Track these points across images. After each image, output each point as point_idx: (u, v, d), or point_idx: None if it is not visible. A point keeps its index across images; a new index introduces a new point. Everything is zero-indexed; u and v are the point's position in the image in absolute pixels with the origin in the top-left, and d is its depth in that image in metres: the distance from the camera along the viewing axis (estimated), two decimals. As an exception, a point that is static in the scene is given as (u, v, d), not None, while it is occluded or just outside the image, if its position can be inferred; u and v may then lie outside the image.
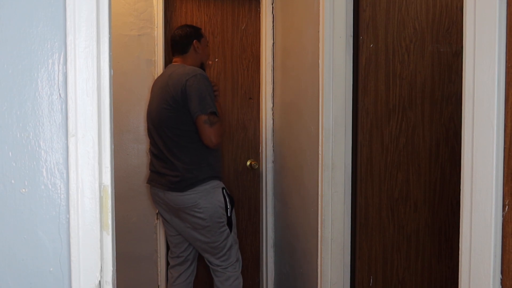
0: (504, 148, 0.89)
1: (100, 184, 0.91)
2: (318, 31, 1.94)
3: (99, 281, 0.92)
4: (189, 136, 2.15)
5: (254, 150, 2.93)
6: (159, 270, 2.81)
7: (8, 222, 0.91)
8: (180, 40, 2.33)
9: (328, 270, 1.94)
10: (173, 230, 2.35)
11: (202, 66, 2.39)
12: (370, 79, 1.89)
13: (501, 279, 0.91)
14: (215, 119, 2.12)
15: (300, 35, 2.26)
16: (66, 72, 0.90)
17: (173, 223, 2.30)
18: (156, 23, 2.73)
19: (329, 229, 1.93)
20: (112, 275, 0.94)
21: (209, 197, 2.16)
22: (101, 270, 0.92)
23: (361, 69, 1.88)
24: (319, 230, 1.96)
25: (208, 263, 2.32)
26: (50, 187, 0.91)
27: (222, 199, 2.20)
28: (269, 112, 2.82)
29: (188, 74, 2.12)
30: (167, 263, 2.92)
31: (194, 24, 2.92)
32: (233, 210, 2.26)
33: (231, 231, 2.25)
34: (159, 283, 2.83)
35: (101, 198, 0.91)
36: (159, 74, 2.76)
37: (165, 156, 2.18)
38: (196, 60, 2.34)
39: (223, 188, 2.23)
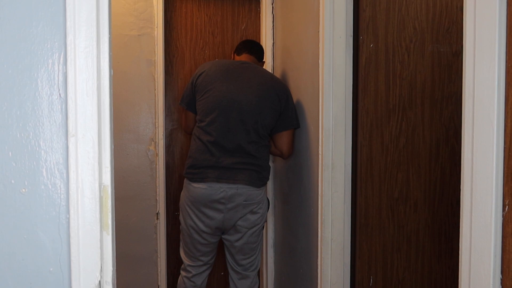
0: (504, 148, 0.89)
1: (100, 184, 0.91)
2: (318, 31, 1.94)
3: (99, 281, 0.92)
4: (268, 138, 2.25)
5: (254, 150, 2.93)
6: (159, 270, 2.81)
7: (8, 222, 0.91)
8: (259, 48, 2.43)
9: (328, 270, 1.94)
10: (209, 238, 2.22)
11: None
12: (370, 79, 1.89)
13: (501, 279, 0.91)
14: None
15: (300, 35, 2.26)
16: (66, 72, 0.90)
17: (219, 224, 2.18)
18: (156, 23, 2.73)
19: (329, 229, 1.93)
20: (112, 275, 0.94)
21: (265, 194, 2.27)
22: (101, 270, 0.92)
23: (361, 69, 1.88)
24: (319, 230, 1.96)
25: (233, 265, 2.28)
26: (50, 187, 0.91)
27: (265, 195, 2.29)
28: (269, 112, 2.82)
29: (286, 86, 2.28)
30: (167, 263, 2.92)
31: (194, 24, 2.92)
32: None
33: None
34: (159, 283, 2.82)
35: (101, 198, 0.91)
36: (159, 74, 2.76)
37: (245, 151, 2.14)
38: None
39: None
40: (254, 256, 2.27)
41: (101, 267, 0.92)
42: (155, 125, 2.76)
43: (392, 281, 1.98)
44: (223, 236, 2.25)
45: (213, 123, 2.14)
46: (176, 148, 2.94)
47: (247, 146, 2.14)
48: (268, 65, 2.83)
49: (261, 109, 2.16)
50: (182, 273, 2.33)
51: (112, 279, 0.94)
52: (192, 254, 2.26)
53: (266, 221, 2.34)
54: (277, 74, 2.72)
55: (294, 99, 2.33)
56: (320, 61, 1.92)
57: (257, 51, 2.40)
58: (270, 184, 2.84)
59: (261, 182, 2.20)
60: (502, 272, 0.91)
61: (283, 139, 2.24)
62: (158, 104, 2.75)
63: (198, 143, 2.18)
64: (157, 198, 2.78)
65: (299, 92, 2.27)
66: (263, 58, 2.45)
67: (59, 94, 0.90)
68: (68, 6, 0.89)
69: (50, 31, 0.90)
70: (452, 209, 2.00)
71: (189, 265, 2.29)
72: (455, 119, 1.97)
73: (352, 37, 1.89)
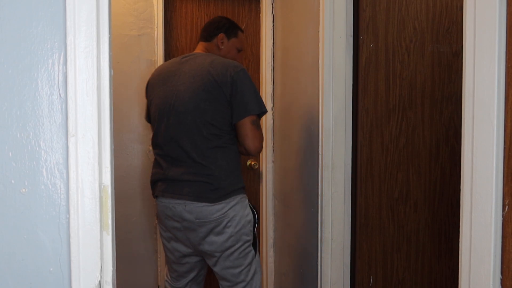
0: (504, 148, 0.89)
1: (100, 184, 0.91)
2: (318, 31, 1.94)
3: (99, 281, 0.92)
4: (229, 136, 1.83)
5: (254, 150, 2.93)
6: (159, 270, 2.81)
7: (8, 222, 0.91)
8: (207, 26, 2.06)
9: (328, 270, 1.94)
10: (180, 256, 1.93)
11: None
12: (370, 79, 1.89)
13: (501, 279, 0.91)
14: (259, 122, 1.86)
15: (300, 35, 2.26)
16: (66, 72, 0.90)
17: (187, 244, 1.88)
18: (156, 23, 2.73)
19: (329, 229, 1.93)
20: (112, 275, 0.94)
21: (238, 209, 1.82)
22: (101, 270, 0.92)
23: (361, 69, 1.88)
24: (319, 230, 1.96)
25: None
26: (50, 187, 0.91)
27: (250, 213, 1.87)
28: (269, 112, 2.82)
29: (235, 66, 1.82)
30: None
31: (194, 24, 2.92)
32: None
33: (255, 253, 1.90)
34: (159, 283, 2.82)
35: (101, 198, 0.91)
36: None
37: (191, 159, 1.80)
38: (217, 54, 2.01)
39: (246, 198, 1.91)
40: (242, 284, 1.86)
41: (101, 267, 0.92)
42: (155, 125, 2.75)
43: (392, 281, 1.98)
44: None
45: (158, 134, 1.90)
46: (176, 148, 2.94)
47: (191, 153, 1.79)
48: (268, 65, 2.83)
49: (197, 104, 1.80)
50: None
51: (112, 279, 0.94)
52: (173, 275, 2.02)
53: (256, 239, 1.90)
54: (277, 74, 2.72)
55: (294, 99, 2.32)
56: (320, 61, 1.92)
57: (204, 31, 2.05)
58: (270, 184, 2.84)
59: (215, 196, 1.77)
60: (502, 272, 0.91)
61: (241, 132, 1.81)
62: (158, 104, 2.75)
63: (154, 158, 1.96)
64: (157, 198, 2.78)
65: (299, 92, 2.27)
66: (214, 35, 2.02)
67: (59, 94, 0.90)
68: (68, 6, 0.89)
69: (50, 31, 0.90)
70: (452, 209, 2.00)
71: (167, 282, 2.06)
72: (455, 119, 1.97)
73: (352, 37, 1.89)
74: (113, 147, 0.95)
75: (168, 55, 2.84)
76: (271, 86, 2.82)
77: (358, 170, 1.92)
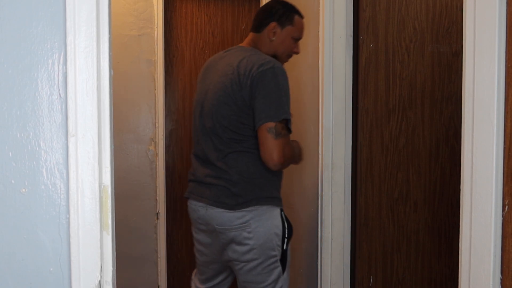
0: (504, 148, 0.89)
1: (100, 184, 0.91)
2: (318, 31, 1.94)
3: (99, 281, 0.92)
4: (254, 141, 1.65)
5: (254, 150, 2.93)
6: (159, 270, 2.81)
7: (8, 222, 0.91)
8: (258, 14, 1.79)
9: (328, 270, 1.94)
10: (207, 260, 1.83)
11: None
12: (370, 79, 1.89)
13: (501, 279, 0.91)
14: (283, 130, 1.61)
15: (300, 35, 2.26)
16: (66, 72, 0.90)
17: (212, 249, 1.77)
18: (156, 23, 2.73)
19: (329, 229, 1.93)
20: (112, 275, 0.94)
21: (262, 220, 1.64)
22: (101, 270, 0.92)
23: (361, 69, 1.88)
24: (319, 230, 1.96)
25: None
26: (50, 187, 0.91)
27: (280, 224, 1.67)
28: (269, 112, 2.82)
29: (262, 64, 1.59)
30: (167, 263, 2.91)
31: (194, 24, 2.91)
32: (289, 243, 1.73)
33: (283, 271, 1.70)
34: (159, 283, 2.82)
35: (101, 198, 0.91)
36: (159, 74, 2.76)
37: (213, 162, 1.68)
38: (267, 48, 1.77)
39: (281, 210, 1.71)
40: None
41: (101, 267, 0.92)
42: (155, 125, 2.76)
43: (392, 281, 1.98)
44: None
45: (193, 132, 1.83)
46: (176, 148, 2.94)
47: (212, 156, 1.68)
48: (268, 65, 2.82)
49: (218, 108, 1.66)
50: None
51: (112, 279, 0.94)
52: (198, 273, 1.92)
53: (285, 255, 1.69)
54: (277, 74, 2.72)
55: (294, 99, 2.32)
56: (320, 61, 1.92)
57: (255, 19, 1.81)
58: (270, 184, 2.84)
59: (233, 202, 1.63)
60: (502, 272, 0.91)
61: (258, 140, 1.61)
62: (158, 104, 2.75)
63: None
64: (157, 198, 2.78)
65: (299, 92, 2.27)
66: (264, 24, 1.75)
67: (59, 94, 0.90)
68: (68, 6, 0.89)
69: (50, 31, 0.90)
70: (452, 209, 2.00)
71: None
72: (455, 119, 1.97)
73: (352, 37, 1.89)
74: (113, 147, 0.95)
75: (168, 55, 2.84)
76: (271, 86, 2.81)
77: (358, 170, 1.92)
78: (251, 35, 1.80)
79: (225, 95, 1.64)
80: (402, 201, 1.95)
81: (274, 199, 1.69)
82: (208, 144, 1.70)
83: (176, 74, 2.91)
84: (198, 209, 1.72)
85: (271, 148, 1.57)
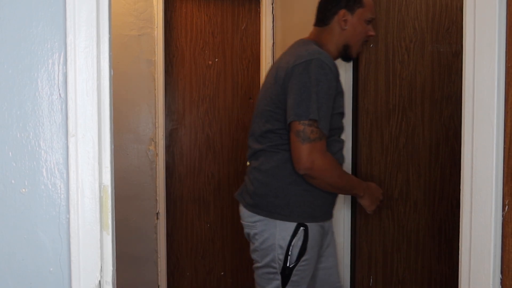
0: (504, 148, 0.89)
1: (100, 184, 0.91)
2: (318, 31, 1.93)
3: (99, 281, 0.92)
4: (276, 145, 1.56)
5: (254, 150, 2.93)
6: (159, 270, 2.81)
7: (8, 222, 0.91)
8: (321, 5, 1.65)
9: (328, 270, 1.94)
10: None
11: (346, 51, 1.66)
12: (370, 79, 1.89)
13: (501, 279, 0.91)
14: (315, 134, 1.44)
15: (300, 35, 2.26)
16: (66, 72, 0.90)
17: None
18: (156, 23, 2.73)
19: (329, 229, 1.93)
20: (112, 275, 0.94)
21: (270, 226, 1.53)
22: (101, 270, 0.92)
23: (361, 69, 1.88)
24: (319, 230, 1.96)
25: None
26: (50, 187, 0.91)
27: (288, 237, 1.51)
28: (269, 112, 2.82)
29: (300, 56, 1.47)
30: (167, 263, 2.92)
31: (194, 24, 2.91)
32: (301, 262, 1.53)
33: (284, 285, 1.55)
34: (159, 283, 2.82)
35: (101, 198, 0.91)
36: (159, 74, 2.76)
37: (251, 155, 1.67)
38: (337, 38, 1.62)
39: (302, 226, 1.52)
40: None
41: (101, 267, 0.92)
42: (155, 125, 2.76)
43: (392, 281, 1.98)
44: None
45: None
46: (176, 148, 2.94)
47: (252, 145, 1.65)
48: (268, 65, 2.83)
49: (261, 107, 1.61)
50: None
51: (112, 279, 0.94)
52: None
53: (288, 274, 1.54)
54: (277, 74, 2.72)
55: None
56: (320, 61, 1.92)
57: (319, 12, 1.67)
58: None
59: (251, 201, 1.58)
60: (502, 272, 0.91)
61: (290, 144, 1.50)
62: (158, 104, 2.75)
63: None
64: (157, 198, 2.78)
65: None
66: (332, 15, 1.61)
67: (59, 94, 0.90)
68: (68, 6, 0.89)
69: (50, 31, 0.90)
70: (452, 209, 2.00)
71: None
72: (455, 119, 1.96)
73: (352, 37, 1.89)
74: (113, 147, 0.95)
75: (168, 55, 2.84)
76: (271, 86, 2.82)
77: (358, 170, 1.92)
78: (314, 29, 1.69)
79: (267, 93, 1.58)
80: (402, 201, 1.95)
81: (290, 211, 1.53)
82: (251, 138, 1.66)
83: (176, 74, 2.91)
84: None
85: (298, 153, 1.45)
